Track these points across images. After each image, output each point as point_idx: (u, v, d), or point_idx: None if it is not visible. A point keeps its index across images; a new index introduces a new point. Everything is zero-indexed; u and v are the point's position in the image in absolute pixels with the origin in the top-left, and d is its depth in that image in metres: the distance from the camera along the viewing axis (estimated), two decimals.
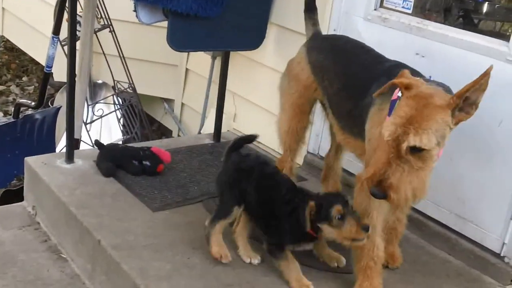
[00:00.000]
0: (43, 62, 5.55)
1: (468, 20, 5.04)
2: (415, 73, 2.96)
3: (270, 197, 3.23)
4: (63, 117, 4.49)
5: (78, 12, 4.39)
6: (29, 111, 5.90)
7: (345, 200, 3.04)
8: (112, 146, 4.54)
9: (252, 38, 4.62)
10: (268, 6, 4.74)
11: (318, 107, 3.89)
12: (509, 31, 5.29)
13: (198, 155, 4.72)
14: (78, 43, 4.90)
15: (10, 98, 7.73)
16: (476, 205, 3.63)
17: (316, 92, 3.67)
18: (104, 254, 3.40)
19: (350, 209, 3.03)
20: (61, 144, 5.83)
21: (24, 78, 8.38)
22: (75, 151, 4.45)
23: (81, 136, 5.52)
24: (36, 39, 7.27)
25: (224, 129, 5.16)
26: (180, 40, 4.21)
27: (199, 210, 3.87)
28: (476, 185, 3.60)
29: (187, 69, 6.15)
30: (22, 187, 4.52)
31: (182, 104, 6.30)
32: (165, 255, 3.35)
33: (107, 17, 5.91)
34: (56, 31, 5.26)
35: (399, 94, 2.80)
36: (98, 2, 5.78)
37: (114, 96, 6.16)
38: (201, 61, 5.81)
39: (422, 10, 4.55)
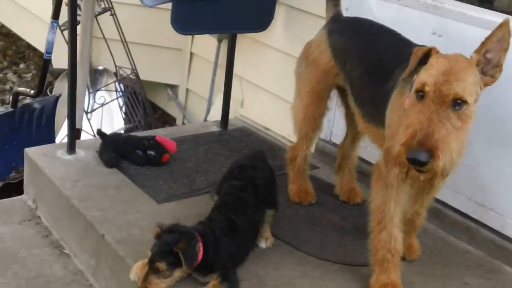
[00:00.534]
0: (40, 48, 5.55)
1: None
2: None
3: None
4: (62, 105, 4.51)
5: None
6: (28, 100, 5.90)
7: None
8: (115, 135, 4.55)
9: (260, 19, 4.60)
10: None
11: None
12: None
13: (204, 144, 4.72)
14: (78, 28, 4.89)
15: (7, 86, 7.74)
16: (497, 192, 3.62)
17: (337, 77, 3.64)
18: (109, 249, 3.41)
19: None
20: (61, 134, 5.84)
21: (22, 65, 8.38)
22: (77, 141, 4.46)
23: (82, 126, 5.52)
24: (33, 24, 7.26)
25: (231, 115, 5.17)
26: (185, 23, 4.19)
27: (206, 202, 3.86)
28: (496, 171, 3.59)
29: (191, 53, 6.14)
30: (22, 180, 4.53)
31: (187, 90, 6.30)
32: None
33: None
34: (56, 15, 5.26)
35: None
36: None
37: (116, 82, 6.15)
38: (206, 45, 5.81)
39: None
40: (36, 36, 7.09)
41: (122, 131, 5.91)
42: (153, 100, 6.75)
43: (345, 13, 4.15)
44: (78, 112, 4.76)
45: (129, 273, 3.06)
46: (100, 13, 5.89)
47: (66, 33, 4.66)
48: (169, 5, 4.15)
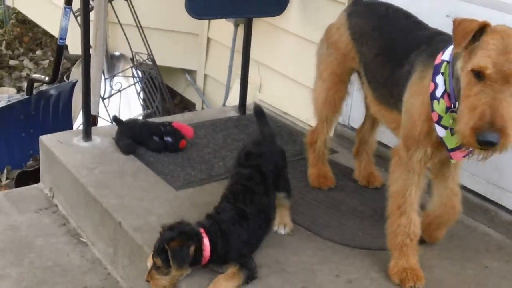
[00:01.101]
0: (56, 34, 5.56)
1: None
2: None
3: None
4: (80, 92, 4.51)
5: None
6: (43, 87, 5.92)
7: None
8: (132, 122, 4.54)
9: (276, 4, 4.58)
10: None
11: None
12: None
13: (222, 129, 4.72)
14: (92, 13, 4.89)
15: (24, 73, 7.76)
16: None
17: (354, 60, 3.63)
18: (126, 237, 3.43)
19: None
20: (79, 121, 5.85)
21: (38, 52, 8.40)
22: (93, 128, 4.48)
23: (98, 112, 5.53)
24: (49, 10, 7.28)
25: (249, 100, 5.16)
26: (199, 7, 4.18)
27: (225, 188, 3.87)
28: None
29: (208, 38, 6.13)
30: (38, 167, 4.54)
31: (205, 75, 6.30)
32: None
33: None
34: (69, 1, 5.28)
35: (443, 57, 2.78)
36: None
37: (133, 68, 6.16)
38: (223, 29, 5.80)
39: None
40: (52, 23, 7.09)
41: (141, 117, 5.92)
42: (172, 86, 6.76)
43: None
44: (94, 98, 4.78)
45: (146, 261, 3.07)
46: None
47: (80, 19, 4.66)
48: None
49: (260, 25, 5.19)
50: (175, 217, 3.47)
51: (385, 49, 3.36)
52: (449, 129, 2.84)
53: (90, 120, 4.43)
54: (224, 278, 2.98)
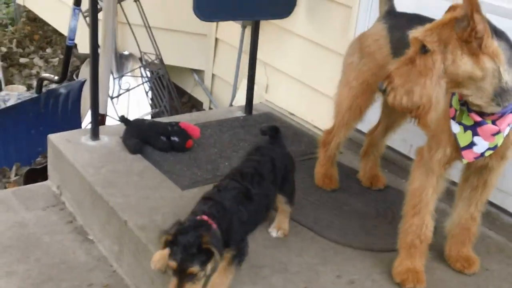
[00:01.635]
0: (66, 33, 5.59)
1: None
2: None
3: None
4: (89, 91, 4.54)
5: None
6: (53, 86, 5.96)
7: None
8: (139, 121, 4.56)
9: (283, 6, 4.60)
10: None
11: None
12: None
13: (229, 129, 4.75)
14: (100, 14, 4.92)
15: (34, 71, 7.79)
16: None
17: None
18: (131, 235, 3.45)
19: None
20: (87, 120, 5.88)
21: (48, 50, 8.43)
22: (101, 127, 4.50)
23: (107, 111, 5.56)
24: (58, 9, 7.32)
25: (256, 100, 5.18)
26: (207, 10, 4.21)
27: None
28: None
29: (216, 39, 6.16)
30: (47, 165, 4.57)
31: (213, 75, 6.32)
32: None
33: None
34: (77, 2, 5.30)
35: None
36: None
37: (141, 68, 6.19)
38: (231, 30, 5.82)
39: None
40: (62, 21, 7.13)
41: (149, 116, 5.94)
42: (180, 85, 6.79)
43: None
44: (102, 97, 4.80)
45: (151, 260, 3.09)
46: None
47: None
48: None
49: (268, 26, 5.22)
50: (180, 217, 3.50)
51: None
52: (462, 126, 2.88)
53: (98, 119, 4.45)
54: (219, 277, 2.91)
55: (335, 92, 3.92)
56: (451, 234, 3.32)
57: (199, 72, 6.51)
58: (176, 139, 4.29)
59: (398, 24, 3.62)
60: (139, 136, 4.31)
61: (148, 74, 6.18)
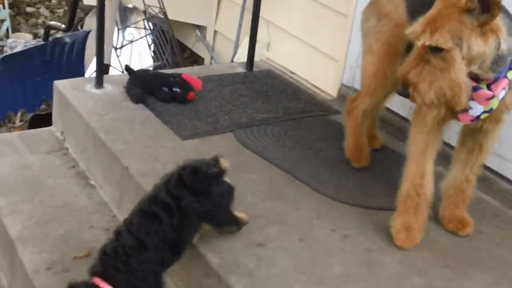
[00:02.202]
0: None
1: None
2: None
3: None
4: (92, 41, 4.49)
5: None
6: (59, 34, 5.90)
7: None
8: (142, 72, 4.50)
9: None
10: None
11: None
12: None
13: (230, 84, 4.69)
14: None
15: (40, 21, 7.72)
16: None
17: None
18: (132, 182, 3.42)
19: None
20: (91, 69, 5.84)
21: (54, 1, 8.35)
22: (105, 76, 4.44)
23: (110, 61, 5.50)
24: None
25: (257, 58, 5.11)
26: None
27: (230, 140, 3.87)
28: None
29: None
30: (51, 112, 4.53)
31: (215, 32, 6.26)
32: None
33: None
34: None
35: None
36: None
37: (145, 21, 6.12)
38: None
39: None
40: None
41: (151, 69, 5.89)
42: (182, 40, 6.72)
43: None
44: (107, 48, 4.75)
45: None
46: None
47: None
48: None
49: None
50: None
51: None
52: None
53: (103, 68, 4.40)
54: None
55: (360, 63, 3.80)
56: (445, 195, 3.28)
57: (201, 28, 6.44)
58: (178, 90, 4.24)
59: None
60: (142, 86, 4.25)
61: (151, 26, 6.11)
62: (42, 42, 5.71)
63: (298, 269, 2.83)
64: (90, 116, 3.95)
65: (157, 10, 6.00)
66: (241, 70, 5.00)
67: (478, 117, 2.88)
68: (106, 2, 4.22)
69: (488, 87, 2.81)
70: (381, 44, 3.55)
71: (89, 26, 6.11)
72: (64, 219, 3.51)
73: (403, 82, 2.75)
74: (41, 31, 5.97)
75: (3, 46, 6.46)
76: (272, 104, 4.41)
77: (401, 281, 2.85)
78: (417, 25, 2.70)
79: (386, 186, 3.50)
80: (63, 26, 5.72)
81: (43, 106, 5.60)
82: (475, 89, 2.79)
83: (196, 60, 6.68)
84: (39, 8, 8.05)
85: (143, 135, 3.81)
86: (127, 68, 4.38)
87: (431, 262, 2.99)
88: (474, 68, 2.72)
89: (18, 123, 5.35)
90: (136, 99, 4.20)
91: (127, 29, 6.12)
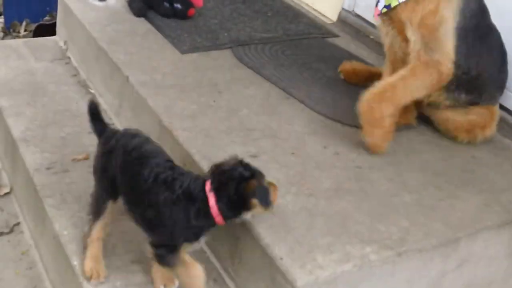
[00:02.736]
0: None
1: None
2: None
3: (136, 177, 2.42)
4: None
5: None
6: None
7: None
8: None
9: None
10: None
11: None
12: None
13: (230, 3, 4.62)
14: None
15: None
16: (510, 70, 3.43)
17: None
18: (132, 90, 3.41)
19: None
20: None
21: None
22: None
23: None
24: None
25: None
26: None
27: (228, 56, 3.84)
28: (509, 50, 3.43)
29: None
30: (55, 22, 4.52)
31: None
32: (191, 96, 3.34)
33: None
34: None
35: None
36: None
37: None
38: None
39: None
40: None
41: None
42: None
43: None
44: None
45: (149, 114, 3.04)
46: None
47: None
48: None
49: None
50: (178, 76, 3.49)
51: None
52: None
53: None
54: None
55: None
56: None
57: None
58: (179, 6, 4.19)
59: None
60: (144, 0, 4.21)
61: None
62: None
63: (289, 181, 2.82)
64: (93, 26, 3.93)
65: None
66: None
67: (381, 12, 3.06)
68: None
69: None
70: None
71: None
72: (64, 123, 3.53)
73: None
74: None
75: None
76: (272, 24, 4.36)
77: (390, 197, 2.83)
78: None
79: None
80: None
81: (47, 18, 5.55)
82: None
83: None
84: None
85: (143, 47, 3.79)
86: None
87: (422, 182, 2.96)
88: None
89: (22, 32, 5.32)
90: (138, 13, 4.16)
91: None
